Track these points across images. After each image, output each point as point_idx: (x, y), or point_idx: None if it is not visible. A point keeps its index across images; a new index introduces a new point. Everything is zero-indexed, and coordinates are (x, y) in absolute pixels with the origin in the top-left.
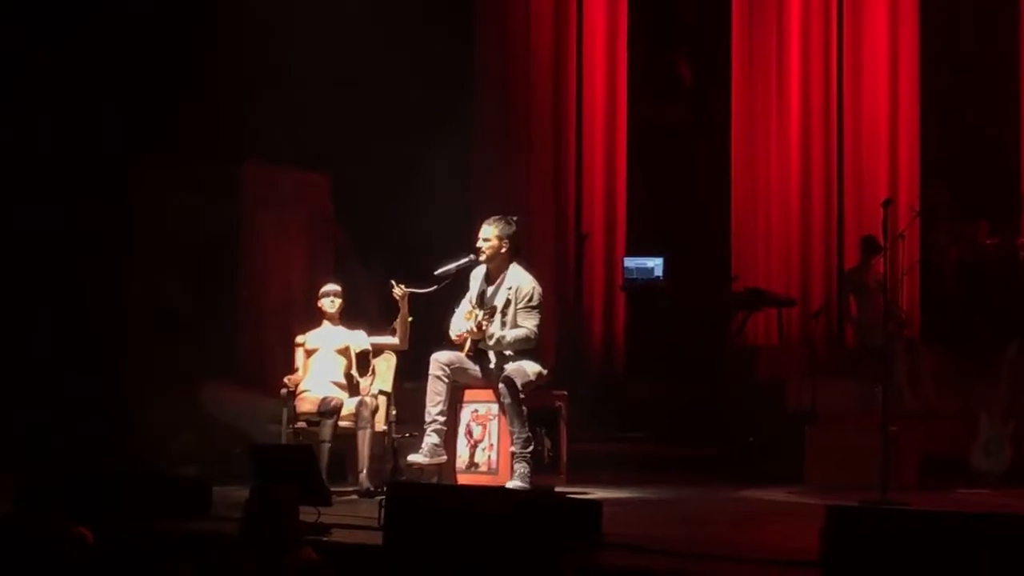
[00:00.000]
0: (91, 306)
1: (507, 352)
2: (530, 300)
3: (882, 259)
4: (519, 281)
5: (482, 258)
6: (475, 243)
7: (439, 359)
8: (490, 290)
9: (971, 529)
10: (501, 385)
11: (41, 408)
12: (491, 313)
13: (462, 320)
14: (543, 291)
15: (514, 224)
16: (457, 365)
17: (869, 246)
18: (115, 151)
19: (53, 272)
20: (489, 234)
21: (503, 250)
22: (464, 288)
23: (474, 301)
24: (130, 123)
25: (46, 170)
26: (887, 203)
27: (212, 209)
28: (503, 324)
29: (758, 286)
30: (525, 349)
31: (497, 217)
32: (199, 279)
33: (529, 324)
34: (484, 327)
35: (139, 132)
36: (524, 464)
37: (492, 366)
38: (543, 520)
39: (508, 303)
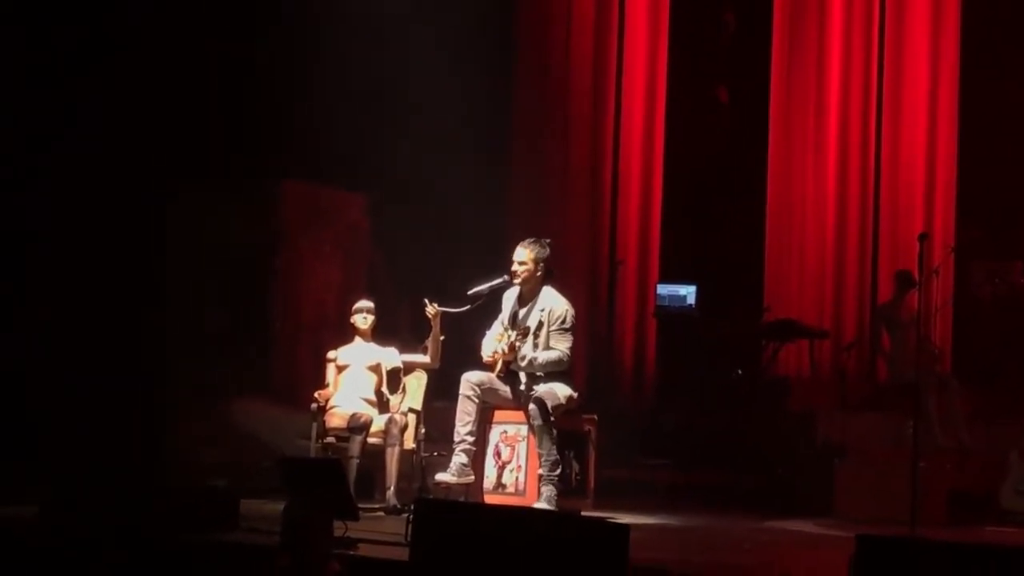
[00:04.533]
0: (128, 318)
1: (538, 374)
2: (563, 322)
3: (916, 294)
4: (552, 303)
5: (516, 280)
6: (509, 265)
7: (470, 379)
8: (522, 312)
9: (1001, 563)
10: (531, 406)
11: (75, 418)
12: (523, 334)
13: (494, 341)
14: (575, 314)
15: (548, 247)
16: (488, 385)
17: (903, 280)
18: (156, 167)
19: (91, 284)
20: (524, 257)
21: (538, 273)
22: (497, 309)
23: (506, 323)
24: (171, 139)
25: (88, 184)
26: (923, 237)
27: (249, 225)
28: (535, 346)
29: (790, 317)
30: (556, 371)
31: (532, 240)
32: (235, 294)
33: (561, 346)
34: (516, 348)
35: (179, 148)
36: (551, 487)
37: (523, 387)
38: (570, 543)
39: (541, 325)
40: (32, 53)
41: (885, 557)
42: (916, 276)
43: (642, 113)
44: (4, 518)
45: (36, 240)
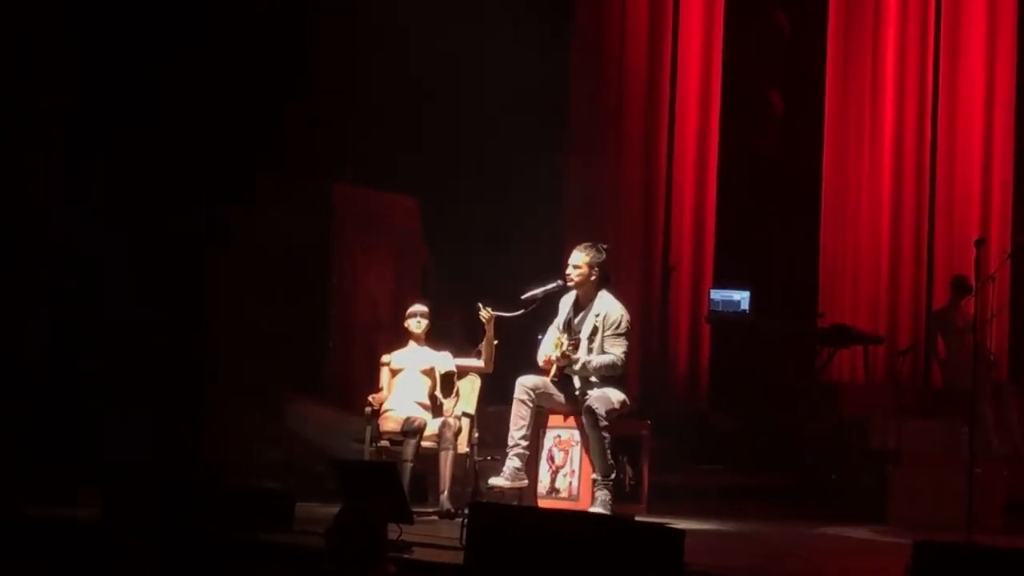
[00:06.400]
0: (181, 319)
1: (592, 379)
2: (617, 327)
3: (972, 300)
4: (607, 308)
5: (570, 284)
6: (564, 269)
7: (525, 383)
8: (577, 317)
9: None
10: (585, 411)
11: (129, 417)
12: (576, 345)
13: (550, 346)
14: (631, 319)
15: (604, 252)
16: (542, 390)
17: (959, 286)
18: (211, 168)
19: (144, 283)
20: (579, 261)
21: (592, 277)
22: (552, 313)
23: (561, 327)
24: (227, 141)
25: (144, 184)
26: (980, 242)
27: (304, 227)
28: (589, 350)
29: (845, 322)
30: (611, 376)
31: (588, 244)
32: (288, 296)
33: (616, 351)
34: (569, 355)
35: (235, 150)
36: (605, 492)
37: (577, 392)
38: (625, 547)
39: (595, 331)
40: (97, 56)
41: (942, 564)
42: (972, 282)
43: (696, 117)
44: (64, 519)
45: (90, 241)
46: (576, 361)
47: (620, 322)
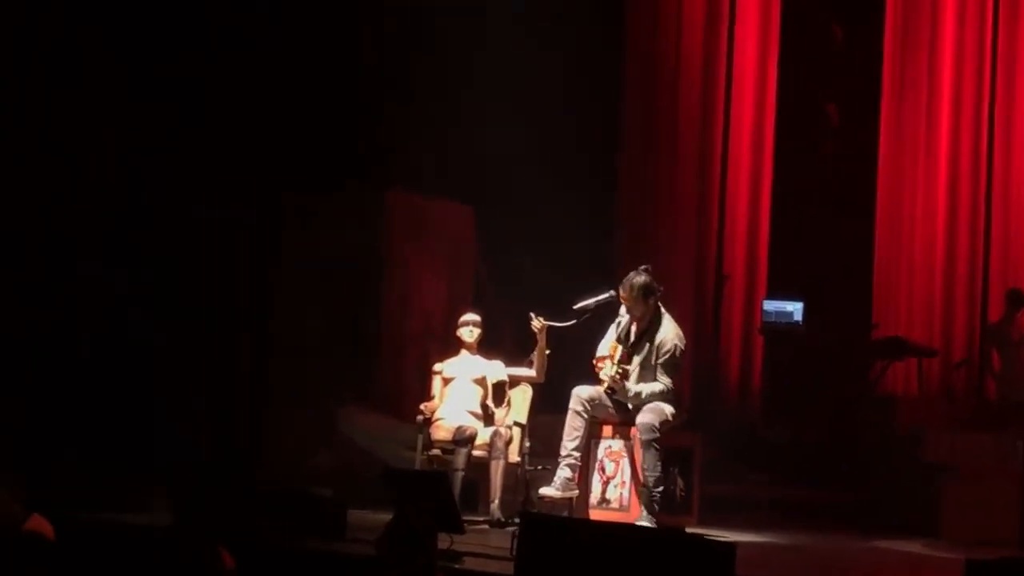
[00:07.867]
0: (234, 325)
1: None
2: (671, 355)
3: None
4: (663, 336)
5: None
6: (616, 280)
7: (580, 394)
8: (634, 334)
9: None
10: (638, 422)
11: (180, 423)
12: (624, 376)
13: (606, 347)
14: (686, 342)
15: (643, 273)
16: (598, 401)
17: (1014, 299)
18: (265, 175)
19: (197, 290)
20: (631, 303)
21: (649, 301)
22: (605, 321)
23: (620, 335)
24: (281, 148)
25: (199, 189)
26: None
27: (357, 235)
28: (642, 375)
29: (899, 335)
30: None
31: (629, 275)
32: (341, 303)
33: (665, 380)
34: (620, 381)
35: (289, 157)
36: (652, 504)
37: (630, 404)
38: (676, 560)
39: (648, 356)
40: (154, 65)
41: None
42: None
43: (751, 127)
44: (128, 527)
45: (147, 248)
46: (628, 391)
47: (674, 351)
